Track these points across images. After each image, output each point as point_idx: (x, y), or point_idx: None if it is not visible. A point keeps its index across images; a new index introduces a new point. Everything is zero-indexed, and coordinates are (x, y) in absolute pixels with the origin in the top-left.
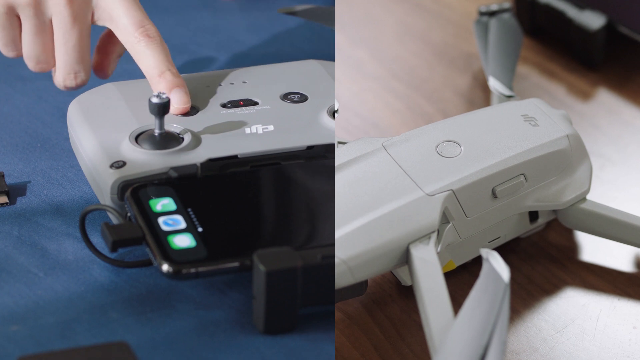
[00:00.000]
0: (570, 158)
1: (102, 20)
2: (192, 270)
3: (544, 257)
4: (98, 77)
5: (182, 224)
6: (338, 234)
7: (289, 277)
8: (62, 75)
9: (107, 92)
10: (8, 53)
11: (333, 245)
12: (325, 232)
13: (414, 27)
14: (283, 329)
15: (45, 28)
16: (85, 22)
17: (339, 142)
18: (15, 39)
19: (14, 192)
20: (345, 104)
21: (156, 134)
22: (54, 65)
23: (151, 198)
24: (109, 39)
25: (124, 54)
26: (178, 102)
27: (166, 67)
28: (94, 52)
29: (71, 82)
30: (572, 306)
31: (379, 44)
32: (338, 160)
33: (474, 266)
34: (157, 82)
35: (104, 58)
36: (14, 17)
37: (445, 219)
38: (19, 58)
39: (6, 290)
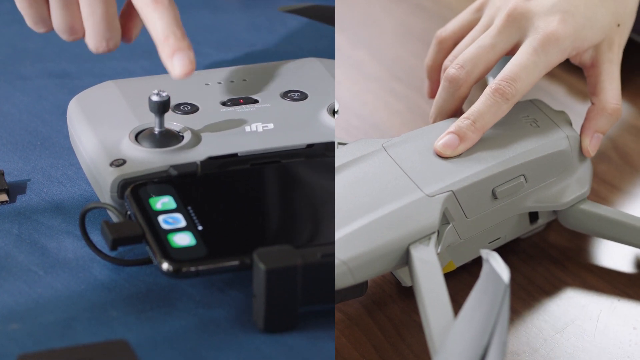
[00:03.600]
0: (570, 159)
1: None
2: (192, 268)
3: (544, 258)
4: (122, 41)
5: (182, 222)
6: (338, 234)
7: (289, 276)
8: (94, 44)
9: (106, 90)
10: (39, 30)
11: (333, 243)
12: (325, 231)
13: (414, 27)
14: (283, 327)
15: (71, 0)
16: None
17: (339, 143)
18: (44, 16)
19: (14, 190)
20: (346, 104)
21: (156, 132)
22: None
23: (151, 196)
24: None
25: (125, 53)
26: (179, 65)
27: (171, 31)
28: (119, 16)
29: (104, 49)
30: (572, 307)
31: (379, 45)
32: (338, 161)
33: (474, 267)
34: (161, 47)
35: (129, 21)
36: None
37: (445, 219)
38: (18, 56)
39: (6, 288)
